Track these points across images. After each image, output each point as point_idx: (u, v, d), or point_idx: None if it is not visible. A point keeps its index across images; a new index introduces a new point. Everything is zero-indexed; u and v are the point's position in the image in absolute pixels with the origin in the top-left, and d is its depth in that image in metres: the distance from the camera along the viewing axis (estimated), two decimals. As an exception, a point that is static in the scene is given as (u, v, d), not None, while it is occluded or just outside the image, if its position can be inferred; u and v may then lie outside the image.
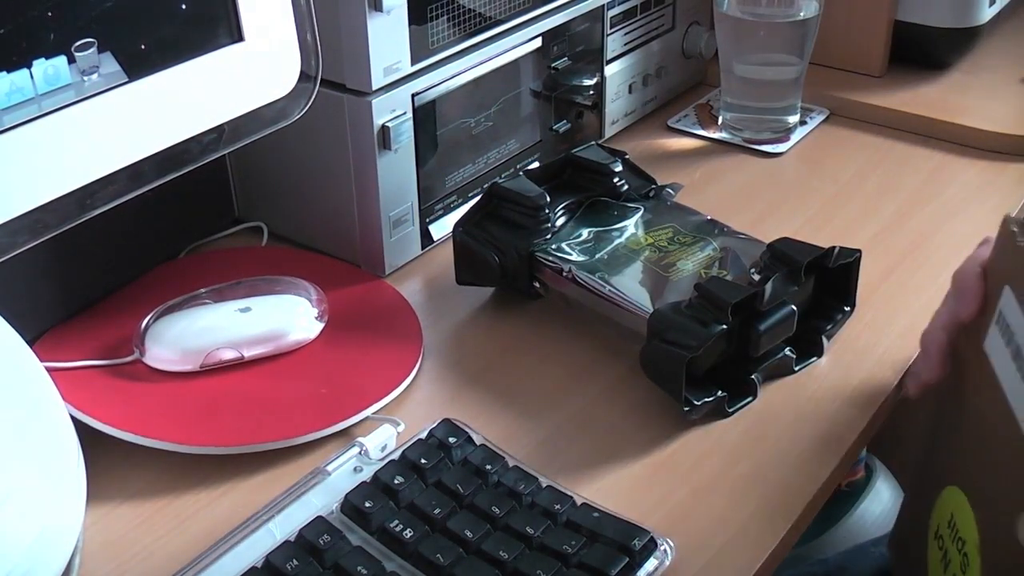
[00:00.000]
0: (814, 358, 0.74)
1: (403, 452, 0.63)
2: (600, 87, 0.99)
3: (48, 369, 0.59)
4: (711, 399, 0.68)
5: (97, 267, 0.78)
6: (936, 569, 0.67)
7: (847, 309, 0.76)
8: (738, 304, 0.67)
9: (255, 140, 0.67)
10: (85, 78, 0.57)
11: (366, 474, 0.62)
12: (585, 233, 0.78)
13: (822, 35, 0.99)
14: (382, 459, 0.63)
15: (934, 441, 0.71)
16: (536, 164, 0.93)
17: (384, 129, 0.78)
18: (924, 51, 1.09)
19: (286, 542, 0.57)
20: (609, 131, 1.02)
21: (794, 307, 0.71)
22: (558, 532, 0.58)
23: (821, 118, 1.05)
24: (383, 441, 0.65)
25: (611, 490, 0.64)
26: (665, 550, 0.58)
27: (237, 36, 0.63)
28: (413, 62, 0.79)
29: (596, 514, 0.59)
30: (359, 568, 0.55)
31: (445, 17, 0.80)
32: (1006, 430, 0.57)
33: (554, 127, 0.95)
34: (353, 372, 0.72)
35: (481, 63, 0.85)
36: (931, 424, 0.71)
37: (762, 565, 0.59)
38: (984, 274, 0.62)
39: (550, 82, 0.93)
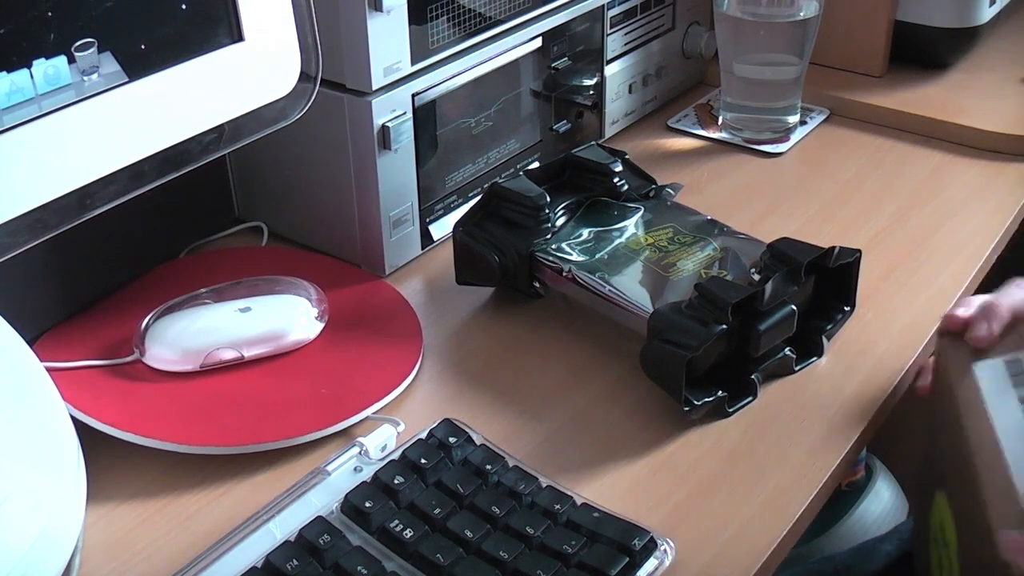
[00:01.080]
0: (814, 358, 0.74)
1: (403, 452, 0.63)
2: (600, 87, 0.99)
3: (48, 369, 0.59)
4: (711, 399, 0.68)
5: (97, 267, 0.78)
6: (936, 571, 0.67)
7: (847, 309, 0.76)
8: (738, 304, 0.67)
9: (255, 140, 0.67)
10: (85, 78, 0.57)
11: (366, 474, 0.62)
12: (585, 233, 0.78)
13: (822, 35, 0.99)
14: (382, 459, 0.63)
15: (930, 445, 0.71)
16: (536, 164, 0.93)
17: (384, 129, 0.78)
18: (924, 51, 1.09)
19: (286, 542, 0.57)
20: (609, 131, 1.02)
21: (794, 307, 0.71)
22: (558, 532, 0.58)
23: (821, 118, 1.05)
24: (383, 441, 0.65)
25: (611, 490, 0.64)
26: (665, 550, 0.58)
27: (237, 36, 0.63)
28: (413, 62, 0.79)
29: (596, 514, 0.59)
30: (359, 568, 0.55)
31: (445, 17, 0.80)
32: (986, 452, 0.58)
33: (554, 127, 0.95)
34: (353, 372, 0.72)
35: (481, 63, 0.85)
36: (927, 428, 0.71)
37: (762, 565, 0.59)
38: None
39: (550, 82, 0.93)
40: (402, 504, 0.60)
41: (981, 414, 0.60)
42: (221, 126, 0.64)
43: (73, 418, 0.60)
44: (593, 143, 0.85)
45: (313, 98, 0.68)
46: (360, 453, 0.64)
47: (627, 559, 0.57)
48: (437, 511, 0.59)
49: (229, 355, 0.72)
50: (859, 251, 0.74)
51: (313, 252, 0.86)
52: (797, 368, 0.73)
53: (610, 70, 0.99)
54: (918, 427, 0.76)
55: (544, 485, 0.62)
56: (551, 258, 0.76)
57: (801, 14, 0.96)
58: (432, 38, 0.80)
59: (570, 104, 0.96)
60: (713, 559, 0.59)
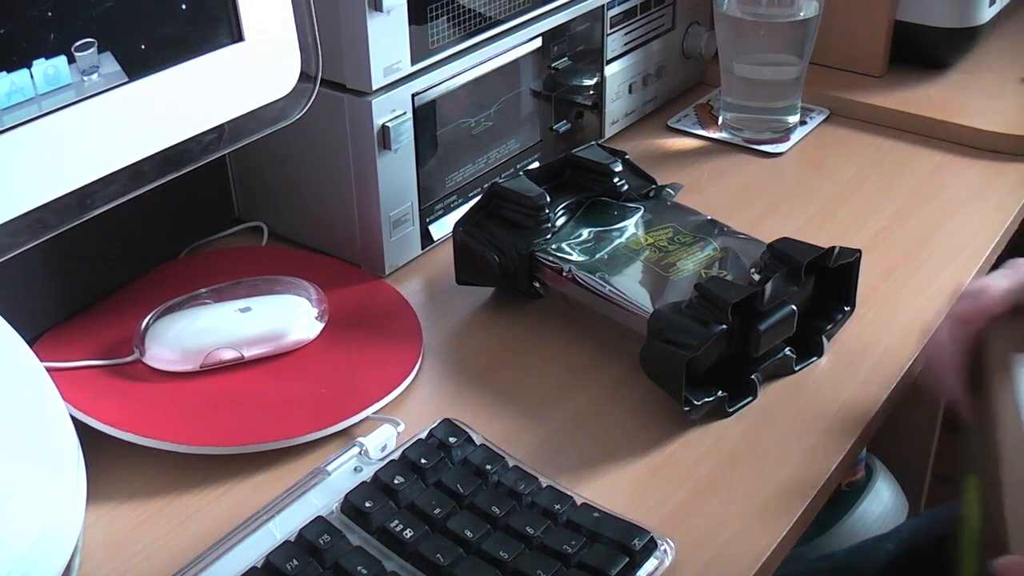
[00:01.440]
0: (814, 358, 0.74)
1: (403, 452, 0.63)
2: (600, 87, 0.99)
3: (48, 369, 0.59)
4: (711, 399, 0.68)
5: (97, 267, 0.78)
6: (965, 554, 0.67)
7: (847, 309, 0.76)
8: (738, 304, 0.67)
9: (255, 140, 0.67)
10: (85, 78, 0.57)
11: (366, 474, 0.62)
12: (585, 233, 0.78)
13: (822, 35, 0.99)
14: (382, 459, 0.63)
15: (968, 429, 0.71)
16: (536, 164, 0.93)
17: (384, 129, 0.78)
18: (924, 51, 1.09)
19: (286, 542, 0.57)
20: (609, 131, 1.02)
21: (794, 307, 0.71)
22: (558, 532, 0.58)
23: (821, 118, 1.05)
24: (383, 441, 0.65)
25: (611, 490, 0.64)
26: (665, 550, 0.58)
27: (237, 36, 0.63)
28: (413, 62, 0.79)
29: (596, 514, 0.59)
30: (359, 568, 0.55)
31: (445, 17, 0.80)
32: (1010, 448, 0.59)
33: (554, 127, 0.95)
34: (353, 372, 0.72)
35: (481, 63, 0.85)
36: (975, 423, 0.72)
37: (762, 565, 0.59)
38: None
39: (550, 82, 0.93)
40: (402, 504, 0.60)
41: (1012, 408, 0.60)
42: (221, 126, 0.65)
43: (73, 418, 0.59)
44: (593, 143, 0.85)
45: (313, 98, 0.68)
46: (360, 453, 0.64)
47: (627, 559, 0.57)
48: (437, 511, 0.59)
49: (229, 355, 0.72)
50: (859, 251, 0.74)
51: (313, 252, 0.86)
52: (797, 368, 0.73)
53: (610, 70, 0.99)
54: (918, 427, 0.76)
55: (544, 485, 0.62)
56: (551, 258, 0.76)
57: (801, 14, 0.96)
58: (432, 38, 0.80)
59: (570, 104, 0.96)
60: (713, 559, 0.59)
